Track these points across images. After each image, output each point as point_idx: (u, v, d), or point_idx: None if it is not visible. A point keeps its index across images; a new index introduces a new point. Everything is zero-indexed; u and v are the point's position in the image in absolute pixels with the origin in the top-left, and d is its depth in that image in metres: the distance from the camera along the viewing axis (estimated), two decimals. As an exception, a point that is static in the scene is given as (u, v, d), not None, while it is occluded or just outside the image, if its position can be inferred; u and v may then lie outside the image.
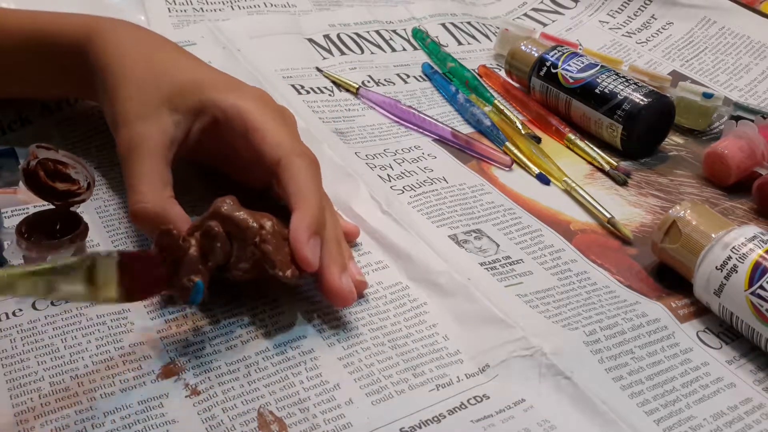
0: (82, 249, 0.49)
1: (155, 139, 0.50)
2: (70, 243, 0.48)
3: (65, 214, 0.49)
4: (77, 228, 0.49)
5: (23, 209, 0.54)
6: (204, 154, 0.55)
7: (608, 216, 0.59)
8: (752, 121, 0.66)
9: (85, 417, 0.41)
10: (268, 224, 0.45)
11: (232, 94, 0.51)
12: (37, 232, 0.48)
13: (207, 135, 0.52)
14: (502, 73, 0.80)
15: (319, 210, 0.47)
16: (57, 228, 0.49)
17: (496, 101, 0.74)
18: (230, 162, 0.55)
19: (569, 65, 0.72)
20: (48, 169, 0.48)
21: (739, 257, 0.48)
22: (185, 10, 0.83)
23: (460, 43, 0.87)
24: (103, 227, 0.54)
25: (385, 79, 0.77)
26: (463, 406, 0.43)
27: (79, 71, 0.55)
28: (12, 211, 0.53)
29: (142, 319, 0.47)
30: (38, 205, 0.51)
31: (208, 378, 0.43)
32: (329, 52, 0.80)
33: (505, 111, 0.73)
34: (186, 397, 0.42)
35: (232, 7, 0.85)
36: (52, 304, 0.47)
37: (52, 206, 0.49)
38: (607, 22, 0.92)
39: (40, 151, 0.47)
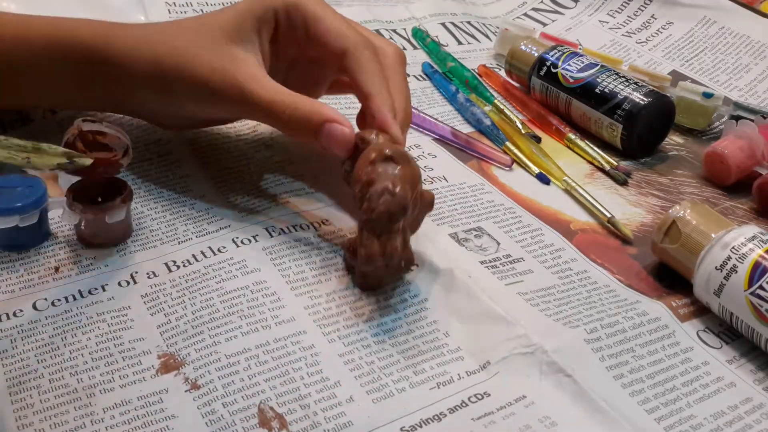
0: (129, 210, 0.52)
1: (251, 61, 0.51)
2: (122, 203, 0.50)
3: (106, 179, 0.52)
4: (123, 191, 0.51)
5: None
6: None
7: (608, 216, 0.59)
8: (752, 120, 0.66)
9: (84, 413, 0.41)
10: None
11: None
12: (84, 198, 0.50)
13: (277, 49, 0.53)
14: (502, 73, 0.80)
15: (390, 97, 0.50)
16: (100, 193, 0.51)
17: (496, 101, 0.74)
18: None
19: (569, 65, 0.72)
20: (87, 140, 0.50)
21: (739, 257, 0.48)
22: (185, 11, 0.83)
23: (460, 43, 0.87)
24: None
25: (385, 78, 0.77)
26: (464, 404, 0.43)
27: (101, 77, 0.54)
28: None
29: (142, 315, 0.47)
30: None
31: (208, 371, 0.43)
32: (329, 51, 0.80)
33: (505, 110, 0.73)
34: (186, 391, 0.42)
35: (232, 7, 0.85)
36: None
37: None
38: (607, 22, 0.92)
39: (85, 124, 0.50)
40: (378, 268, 0.47)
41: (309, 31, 0.52)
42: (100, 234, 0.51)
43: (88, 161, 0.48)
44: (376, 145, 0.48)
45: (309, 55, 0.55)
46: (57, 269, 0.49)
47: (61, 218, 0.51)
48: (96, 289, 0.48)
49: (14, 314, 0.46)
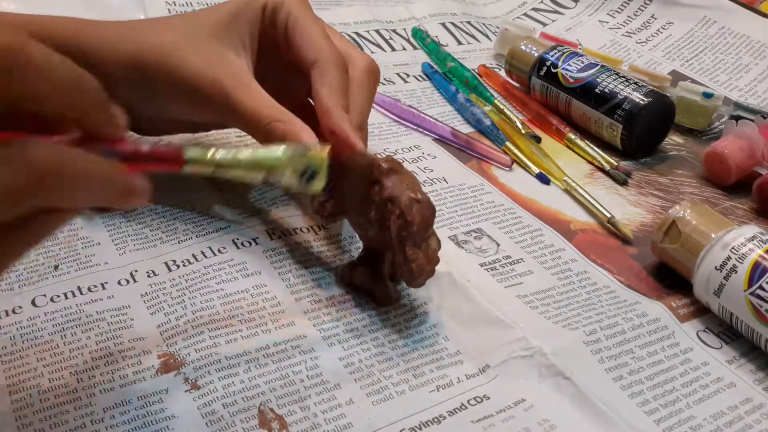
0: None
1: (240, 65, 0.49)
2: None
3: None
4: None
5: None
6: None
7: (608, 216, 0.59)
8: (752, 120, 0.66)
9: (84, 413, 0.41)
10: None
11: None
12: None
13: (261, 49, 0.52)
14: (502, 73, 0.80)
15: (346, 114, 0.48)
16: None
17: (496, 101, 0.74)
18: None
19: (569, 65, 0.72)
20: None
21: (739, 257, 0.48)
22: (185, 11, 0.83)
23: (459, 43, 0.87)
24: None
25: (385, 79, 0.77)
26: (463, 407, 0.43)
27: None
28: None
29: (142, 314, 0.47)
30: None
31: (208, 372, 0.43)
32: (329, 50, 0.80)
33: (505, 110, 0.73)
34: (186, 392, 0.42)
35: (231, 5, 0.85)
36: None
37: None
38: (607, 22, 0.92)
39: None
40: (427, 277, 0.47)
41: (287, 33, 0.51)
42: None
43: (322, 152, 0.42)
44: (366, 163, 0.46)
45: (286, 60, 0.52)
46: (57, 267, 0.49)
47: None
48: (96, 286, 0.48)
49: (13, 311, 0.46)
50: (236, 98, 0.48)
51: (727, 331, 0.50)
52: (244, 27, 0.51)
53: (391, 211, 0.45)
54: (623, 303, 0.51)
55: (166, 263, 0.50)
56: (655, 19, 0.91)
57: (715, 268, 0.49)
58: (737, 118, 0.68)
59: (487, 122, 0.70)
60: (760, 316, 0.47)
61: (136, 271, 0.50)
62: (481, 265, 0.53)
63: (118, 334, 0.45)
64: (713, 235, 0.50)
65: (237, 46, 0.50)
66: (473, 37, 0.88)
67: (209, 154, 0.36)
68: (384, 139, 0.67)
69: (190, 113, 0.52)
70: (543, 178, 0.64)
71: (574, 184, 0.62)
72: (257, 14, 0.51)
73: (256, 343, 0.46)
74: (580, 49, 0.81)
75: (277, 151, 0.39)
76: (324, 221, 0.52)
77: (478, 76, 0.78)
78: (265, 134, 0.47)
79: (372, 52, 0.82)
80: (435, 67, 0.80)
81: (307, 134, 0.46)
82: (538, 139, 0.69)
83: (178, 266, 0.50)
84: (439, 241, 0.48)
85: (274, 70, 0.52)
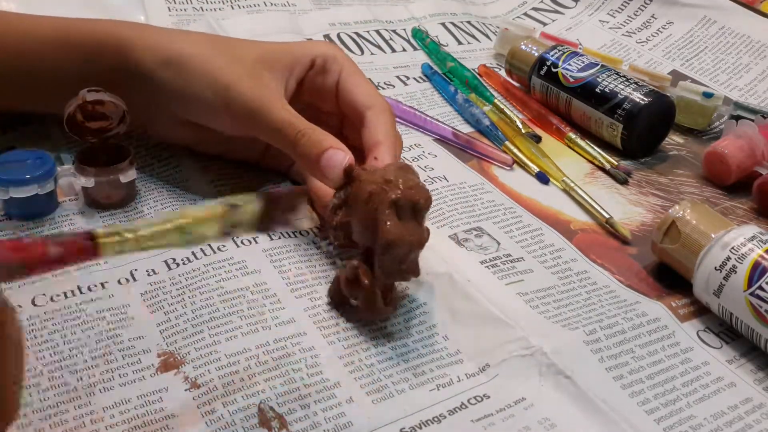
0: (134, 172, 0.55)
1: (277, 87, 0.54)
2: (130, 164, 0.54)
3: (107, 146, 0.55)
4: (125, 155, 0.55)
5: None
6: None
7: (607, 216, 0.59)
8: (752, 120, 0.66)
9: (84, 412, 0.41)
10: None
11: (320, 44, 0.59)
12: (91, 163, 0.54)
13: (297, 91, 0.56)
14: (503, 73, 0.80)
15: (397, 153, 0.54)
16: (106, 158, 0.55)
17: (496, 100, 0.74)
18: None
19: (569, 65, 0.72)
20: (86, 111, 0.53)
21: (738, 257, 0.48)
22: (185, 9, 0.83)
23: (460, 43, 0.87)
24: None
25: (384, 83, 0.77)
26: (463, 406, 0.43)
27: (116, 76, 0.54)
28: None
29: (142, 313, 0.47)
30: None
31: (208, 371, 0.43)
32: (329, 51, 0.80)
33: (506, 110, 0.73)
34: (186, 390, 0.42)
35: (231, 6, 0.85)
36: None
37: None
38: (607, 22, 0.92)
39: (89, 94, 0.52)
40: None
41: (341, 82, 0.56)
42: (112, 195, 0.55)
43: (252, 204, 0.40)
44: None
45: (320, 107, 0.57)
46: None
47: (76, 182, 0.54)
48: (95, 286, 0.48)
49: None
50: (270, 106, 0.52)
51: (727, 331, 0.50)
52: (287, 64, 0.55)
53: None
54: (623, 303, 0.51)
55: (165, 261, 0.50)
56: (655, 18, 0.91)
57: (715, 268, 0.49)
58: (737, 117, 0.68)
59: (486, 122, 0.70)
60: (759, 316, 0.47)
61: (135, 269, 0.50)
62: (482, 262, 0.53)
63: (117, 333, 0.45)
64: (713, 235, 0.50)
65: (276, 74, 0.54)
66: (473, 36, 0.88)
67: (126, 234, 0.35)
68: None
69: (216, 117, 0.55)
70: (542, 178, 0.64)
71: (572, 185, 0.62)
72: (304, 60, 0.56)
73: (255, 339, 0.46)
74: (580, 48, 0.81)
75: (208, 209, 0.38)
76: (332, 229, 0.51)
77: (478, 76, 0.78)
78: (295, 140, 0.50)
79: (372, 53, 0.82)
80: (435, 67, 0.80)
81: (331, 140, 0.50)
82: (538, 139, 0.69)
83: (178, 264, 0.50)
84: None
85: (305, 113, 0.54)
